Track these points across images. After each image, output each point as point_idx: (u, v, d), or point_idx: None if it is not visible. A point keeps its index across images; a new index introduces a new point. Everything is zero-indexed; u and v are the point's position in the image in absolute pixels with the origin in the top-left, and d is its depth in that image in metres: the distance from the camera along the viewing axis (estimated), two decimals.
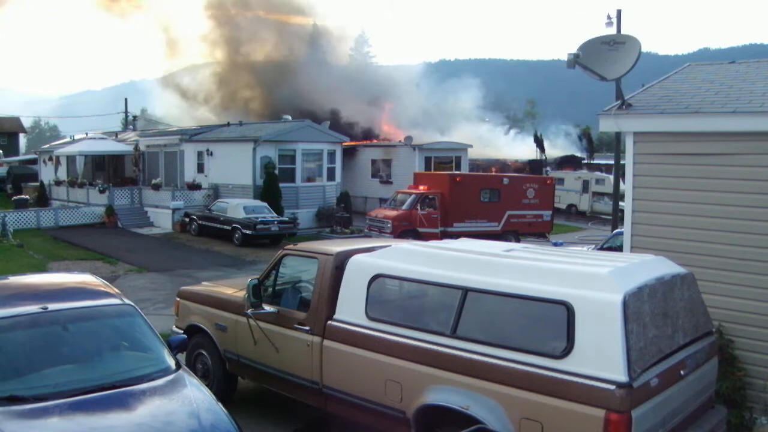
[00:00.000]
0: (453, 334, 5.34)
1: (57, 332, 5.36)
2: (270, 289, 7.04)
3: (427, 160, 32.74)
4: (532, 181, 26.69)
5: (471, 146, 36.66)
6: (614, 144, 24.65)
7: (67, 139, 39.43)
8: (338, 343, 6.17)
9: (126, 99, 55.70)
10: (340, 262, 6.39)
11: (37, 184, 34.76)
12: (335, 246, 6.90)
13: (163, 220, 27.17)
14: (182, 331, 7.76)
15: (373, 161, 34.95)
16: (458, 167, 33.30)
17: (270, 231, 22.99)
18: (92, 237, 24.07)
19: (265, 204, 24.11)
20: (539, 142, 47.64)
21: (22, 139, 66.77)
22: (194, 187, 27.68)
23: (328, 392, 6.31)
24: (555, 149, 54.52)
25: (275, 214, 23.77)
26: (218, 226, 23.76)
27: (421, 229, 22.95)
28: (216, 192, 27.47)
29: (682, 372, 5.09)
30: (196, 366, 7.82)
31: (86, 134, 36.75)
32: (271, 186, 25.30)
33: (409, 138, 34.34)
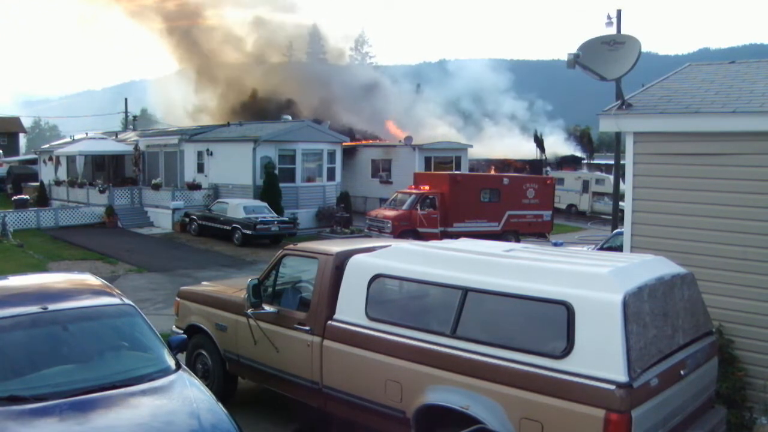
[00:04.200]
0: (453, 334, 5.34)
1: (57, 332, 5.36)
2: (270, 289, 7.04)
3: (427, 160, 32.73)
4: (532, 181, 26.70)
5: (471, 146, 36.70)
6: (614, 144, 24.66)
7: (67, 139, 39.41)
8: (338, 343, 6.17)
9: (126, 99, 55.75)
10: (340, 262, 6.39)
11: (37, 184, 34.78)
12: (335, 246, 6.90)
13: (163, 220, 27.17)
14: (182, 331, 7.76)
15: (373, 161, 34.94)
16: (458, 167, 33.29)
17: (270, 231, 22.99)
18: (92, 237, 24.07)
19: (265, 204, 24.11)
20: (539, 142, 47.64)
21: (22, 139, 66.88)
22: (194, 187, 27.67)
23: (328, 392, 6.31)
24: (555, 149, 54.51)
25: (275, 214, 23.77)
26: (218, 226, 23.76)
27: (421, 229, 22.95)
28: (216, 192, 27.47)
29: (682, 372, 5.09)
30: (196, 366, 7.82)
31: (86, 134, 36.78)
32: (271, 186, 25.29)
33: (409, 138, 34.34)
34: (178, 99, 60.61)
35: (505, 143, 53.22)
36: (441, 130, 51.26)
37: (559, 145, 55.44)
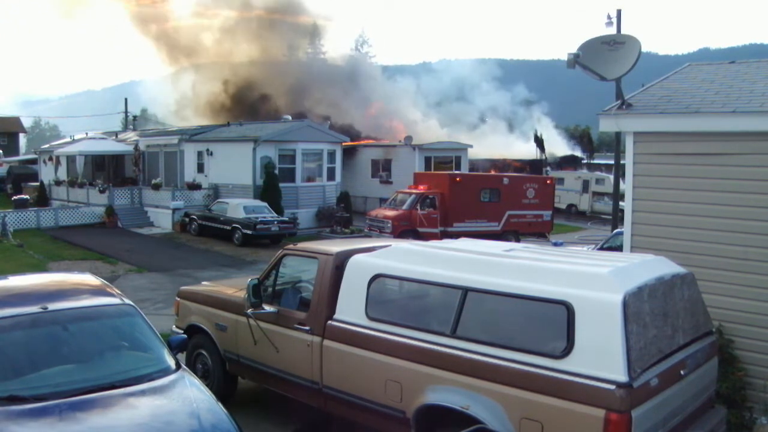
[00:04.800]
0: (453, 334, 5.34)
1: (57, 332, 5.36)
2: (270, 289, 7.04)
3: (427, 160, 32.73)
4: (532, 181, 26.69)
5: (471, 146, 36.67)
6: (614, 144, 24.66)
7: (67, 139, 39.42)
8: (338, 343, 6.17)
9: (126, 99, 55.74)
10: (340, 262, 6.39)
11: (37, 184, 34.78)
12: (335, 246, 6.90)
13: (163, 220, 27.17)
14: (182, 331, 7.76)
15: (373, 161, 34.94)
16: (458, 167, 33.29)
17: (270, 231, 22.99)
18: (92, 237, 24.06)
19: (265, 204, 24.11)
20: (539, 142, 47.64)
21: (22, 139, 66.95)
22: (194, 187, 27.67)
23: (328, 392, 6.31)
24: (555, 149, 54.47)
25: (275, 214, 23.78)
26: (218, 226, 23.76)
27: (421, 229, 22.95)
28: (216, 192, 27.47)
29: (682, 372, 5.09)
30: (196, 366, 7.82)
31: (86, 134, 36.77)
32: (271, 186, 25.30)
33: (409, 138, 34.33)
34: (177, 98, 60.71)
35: (491, 141, 52.88)
36: (423, 125, 50.90)
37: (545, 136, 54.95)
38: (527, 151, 50.07)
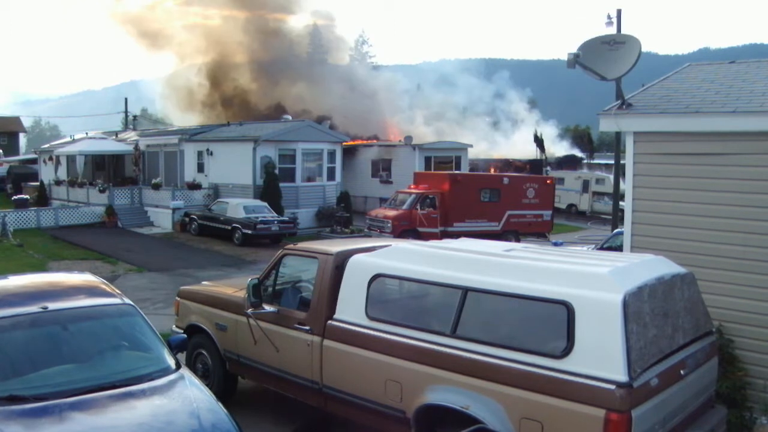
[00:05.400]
0: (453, 334, 5.34)
1: (57, 332, 5.36)
2: (270, 289, 7.04)
3: (427, 160, 32.73)
4: (532, 181, 26.69)
5: (471, 146, 36.66)
6: (614, 144, 24.66)
7: (67, 139, 39.40)
8: (338, 342, 6.17)
9: (126, 99, 55.68)
10: (340, 261, 6.39)
11: (37, 183, 34.79)
12: (335, 246, 6.91)
13: (163, 220, 27.17)
14: (182, 331, 7.77)
15: (373, 161, 34.94)
16: (458, 167, 33.29)
17: (270, 231, 23.00)
18: (92, 237, 24.06)
19: (265, 204, 24.12)
20: (539, 142, 47.63)
21: (22, 139, 66.96)
22: (194, 186, 27.67)
23: (328, 392, 6.31)
24: (555, 149, 54.44)
25: (275, 214, 23.78)
26: (218, 225, 23.77)
27: (421, 229, 22.96)
28: (216, 192, 27.47)
29: (682, 372, 5.10)
30: (196, 366, 7.82)
31: (86, 134, 36.78)
32: (271, 186, 25.31)
33: (409, 138, 34.34)
34: (161, 92, 60.89)
35: (479, 139, 52.71)
36: (410, 122, 50.72)
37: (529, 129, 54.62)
38: (515, 149, 49.99)
